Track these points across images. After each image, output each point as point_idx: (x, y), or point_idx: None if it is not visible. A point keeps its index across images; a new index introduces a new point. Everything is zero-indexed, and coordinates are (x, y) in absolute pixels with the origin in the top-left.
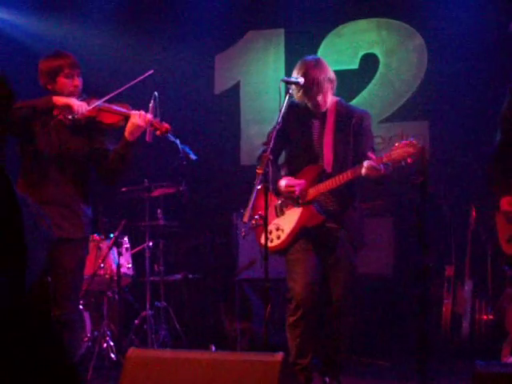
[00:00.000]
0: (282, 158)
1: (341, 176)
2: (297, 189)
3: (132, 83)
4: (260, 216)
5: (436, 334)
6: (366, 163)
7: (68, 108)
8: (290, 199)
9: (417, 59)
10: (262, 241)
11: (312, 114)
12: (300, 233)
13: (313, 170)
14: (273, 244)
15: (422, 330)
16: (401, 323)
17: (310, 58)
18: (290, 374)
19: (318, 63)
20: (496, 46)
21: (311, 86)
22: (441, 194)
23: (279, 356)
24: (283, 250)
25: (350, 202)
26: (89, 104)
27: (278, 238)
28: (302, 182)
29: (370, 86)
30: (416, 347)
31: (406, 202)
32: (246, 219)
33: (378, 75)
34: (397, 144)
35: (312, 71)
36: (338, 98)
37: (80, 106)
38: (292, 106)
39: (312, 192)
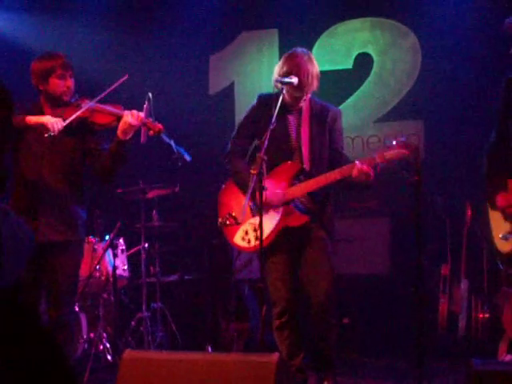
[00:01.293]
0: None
1: (328, 175)
2: (274, 202)
3: (108, 90)
4: (229, 215)
5: (432, 333)
6: (358, 165)
7: (42, 127)
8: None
9: (411, 58)
10: (236, 241)
11: (287, 110)
12: (281, 233)
13: (291, 167)
14: (251, 245)
15: (419, 329)
16: (397, 322)
17: (301, 50)
18: (286, 374)
19: (310, 58)
20: (490, 44)
21: (303, 80)
22: (436, 193)
23: (275, 356)
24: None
25: (326, 198)
26: (81, 104)
27: (257, 238)
28: (279, 193)
29: (365, 85)
30: (412, 346)
31: (401, 201)
32: (240, 220)
33: (372, 75)
34: (389, 144)
35: (305, 65)
36: (310, 96)
37: (55, 124)
38: (263, 102)
39: (295, 192)
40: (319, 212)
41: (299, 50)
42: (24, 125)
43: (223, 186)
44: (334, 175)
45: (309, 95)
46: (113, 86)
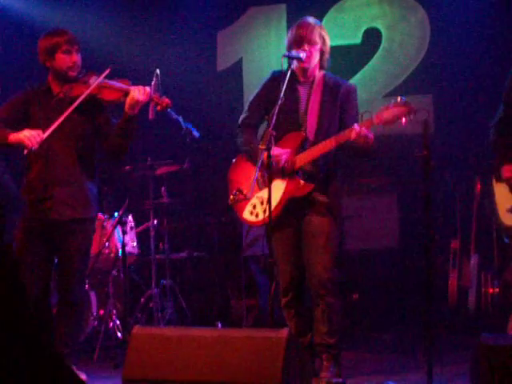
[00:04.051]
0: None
1: (328, 141)
2: (283, 158)
3: (94, 85)
4: (238, 190)
5: (442, 308)
6: (356, 128)
7: (21, 144)
8: (275, 170)
9: (419, 32)
10: (245, 216)
11: (298, 82)
12: (287, 204)
13: (296, 137)
14: (259, 218)
15: (428, 304)
16: (406, 297)
17: (312, 19)
18: (295, 349)
19: (321, 27)
20: (500, 18)
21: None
22: (445, 168)
23: (284, 332)
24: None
25: (334, 171)
26: (89, 81)
27: (265, 211)
28: (287, 151)
29: (373, 60)
30: (422, 321)
31: (410, 176)
32: (249, 195)
33: (380, 49)
34: (387, 104)
35: (311, 32)
36: (324, 71)
37: (32, 138)
38: (276, 78)
39: (298, 161)
40: (324, 183)
41: (311, 18)
42: (6, 142)
43: (232, 162)
44: (335, 140)
45: (317, 67)
46: (97, 81)
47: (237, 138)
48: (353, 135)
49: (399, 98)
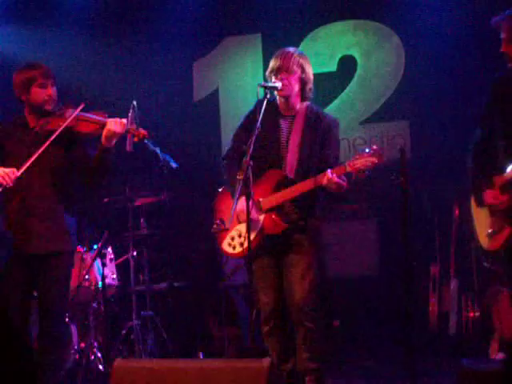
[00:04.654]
0: None
1: (303, 184)
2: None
3: (69, 119)
4: (221, 220)
5: (423, 333)
6: (328, 174)
7: None
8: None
9: (394, 59)
10: (224, 247)
11: (281, 115)
12: (263, 239)
13: (275, 175)
14: (236, 251)
15: (409, 330)
16: (387, 323)
17: (292, 48)
18: (277, 380)
19: (301, 56)
20: (474, 44)
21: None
22: (423, 193)
23: (266, 362)
24: (247, 257)
25: (312, 209)
26: (65, 114)
27: (241, 245)
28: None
29: (349, 87)
30: (403, 347)
31: (389, 202)
32: (228, 226)
33: (356, 77)
34: (361, 152)
35: (289, 61)
36: (308, 103)
37: (6, 177)
38: (259, 105)
39: (273, 200)
40: (302, 219)
41: (292, 48)
42: None
43: (219, 192)
44: (308, 184)
45: (298, 100)
46: (73, 115)
47: (222, 171)
48: (324, 181)
49: (375, 148)
